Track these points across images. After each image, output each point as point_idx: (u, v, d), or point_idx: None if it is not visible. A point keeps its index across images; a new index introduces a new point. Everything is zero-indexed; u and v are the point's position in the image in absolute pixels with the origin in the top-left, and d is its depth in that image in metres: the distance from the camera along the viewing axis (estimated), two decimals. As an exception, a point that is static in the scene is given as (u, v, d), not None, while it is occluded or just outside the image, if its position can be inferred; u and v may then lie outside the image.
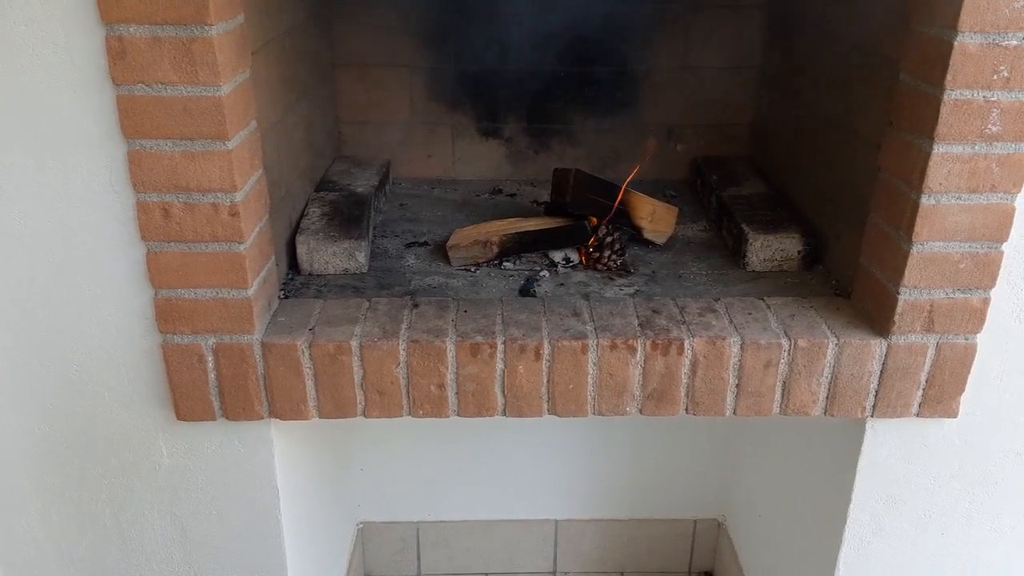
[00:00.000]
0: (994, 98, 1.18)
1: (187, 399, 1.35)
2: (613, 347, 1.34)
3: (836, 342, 1.34)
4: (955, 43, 1.15)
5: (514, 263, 1.63)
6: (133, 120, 1.16)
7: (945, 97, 1.18)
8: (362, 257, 1.57)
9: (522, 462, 2.21)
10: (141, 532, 1.49)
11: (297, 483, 1.60)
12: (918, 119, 1.24)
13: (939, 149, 1.21)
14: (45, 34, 1.13)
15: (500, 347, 1.33)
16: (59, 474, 1.44)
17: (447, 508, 2.26)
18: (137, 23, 1.10)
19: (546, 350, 1.33)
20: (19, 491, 1.45)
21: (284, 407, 1.36)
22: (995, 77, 1.17)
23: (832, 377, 1.36)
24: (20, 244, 1.26)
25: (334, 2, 1.94)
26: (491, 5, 1.93)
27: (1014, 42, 1.15)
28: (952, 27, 1.15)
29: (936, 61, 1.19)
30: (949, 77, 1.17)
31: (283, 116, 1.54)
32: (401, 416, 1.38)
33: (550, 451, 2.19)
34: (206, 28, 1.11)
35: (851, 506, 1.50)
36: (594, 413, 1.38)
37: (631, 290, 1.53)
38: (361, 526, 2.26)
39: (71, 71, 1.14)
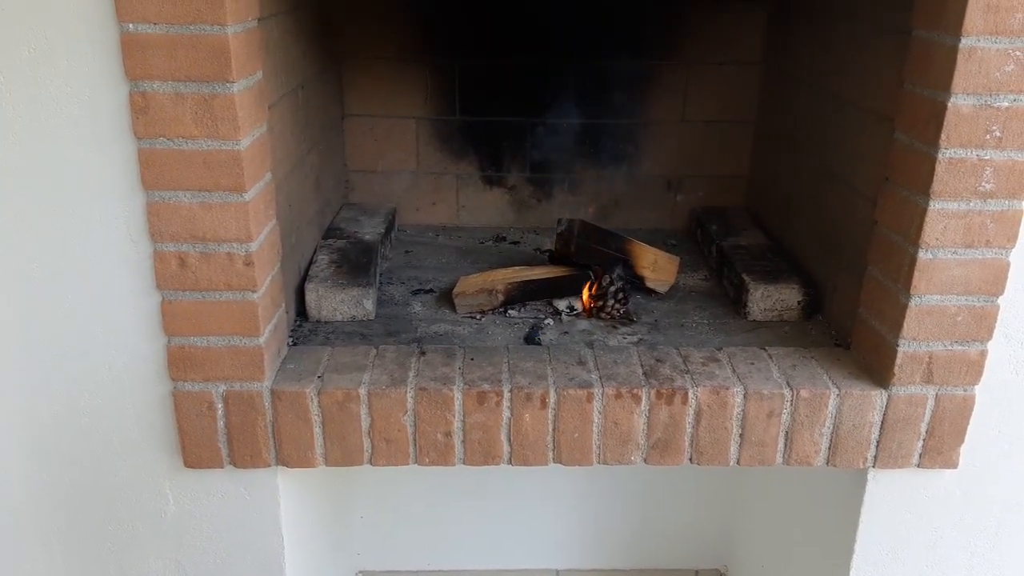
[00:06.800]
0: (987, 157, 1.22)
1: (196, 446, 1.36)
2: (618, 396, 1.35)
3: (837, 393, 1.36)
4: (949, 104, 1.20)
5: (519, 311, 1.65)
6: (153, 172, 1.19)
7: (940, 156, 1.22)
8: (369, 304, 1.59)
9: (523, 511, 2.20)
10: (144, 579, 1.49)
11: (301, 531, 1.60)
12: (914, 176, 1.28)
13: (935, 205, 1.25)
14: (71, 90, 1.16)
15: (507, 395, 1.35)
16: (65, 520, 1.44)
17: (447, 557, 2.24)
18: (161, 80, 1.14)
19: (552, 398, 1.35)
20: (24, 537, 1.45)
21: (291, 454, 1.37)
22: (988, 136, 1.21)
23: (834, 427, 1.38)
24: (36, 290, 1.28)
25: (343, 57, 1.99)
26: (496, 59, 2.00)
27: (1005, 103, 1.20)
28: (946, 89, 1.20)
29: (930, 121, 1.23)
30: (943, 137, 1.21)
31: (295, 166, 1.58)
32: (407, 464, 1.39)
33: (551, 500, 2.18)
34: (228, 85, 1.14)
35: (854, 557, 1.50)
36: (599, 462, 1.39)
37: (635, 339, 1.55)
38: (360, 575, 2.24)
39: (95, 125, 1.18)
